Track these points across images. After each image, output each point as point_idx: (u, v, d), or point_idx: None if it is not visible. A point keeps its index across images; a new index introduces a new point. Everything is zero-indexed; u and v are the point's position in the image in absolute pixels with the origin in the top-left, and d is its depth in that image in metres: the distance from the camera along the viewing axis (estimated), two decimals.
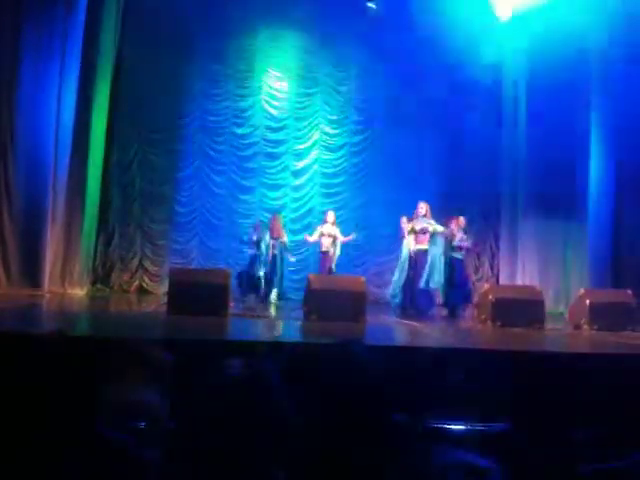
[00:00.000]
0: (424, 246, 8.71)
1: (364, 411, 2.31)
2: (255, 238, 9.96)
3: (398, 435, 2.30)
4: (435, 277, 8.71)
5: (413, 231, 8.77)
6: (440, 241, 8.95)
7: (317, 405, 2.33)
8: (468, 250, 9.63)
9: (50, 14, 8.76)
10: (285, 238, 9.99)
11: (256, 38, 11.10)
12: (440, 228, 8.87)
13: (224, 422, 1.83)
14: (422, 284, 8.63)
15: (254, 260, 9.85)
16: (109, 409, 2.48)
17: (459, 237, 9.21)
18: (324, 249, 9.55)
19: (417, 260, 8.70)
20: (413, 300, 8.71)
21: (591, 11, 9.42)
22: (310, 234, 9.89)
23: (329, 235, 9.57)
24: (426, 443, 2.14)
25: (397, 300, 8.96)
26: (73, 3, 8.99)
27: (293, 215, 11.34)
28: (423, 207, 8.91)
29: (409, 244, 8.79)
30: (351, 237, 9.71)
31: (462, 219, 9.49)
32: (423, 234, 8.72)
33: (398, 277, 8.87)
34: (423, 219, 8.79)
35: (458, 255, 9.27)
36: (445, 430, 2.55)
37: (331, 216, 9.76)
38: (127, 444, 2.01)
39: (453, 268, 9.14)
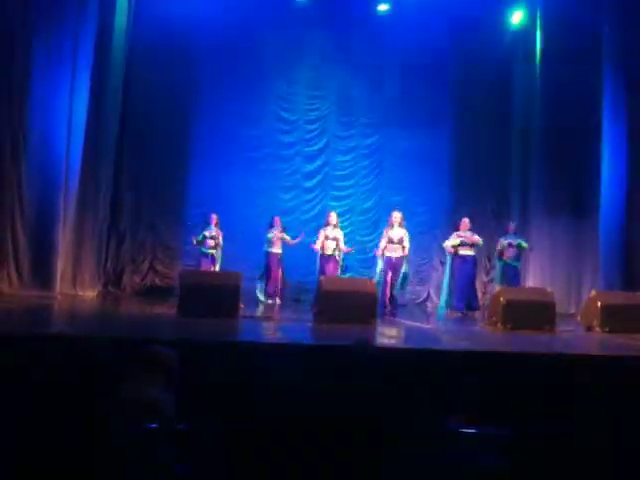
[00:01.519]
0: (398, 254, 8.90)
1: (370, 411, 2.31)
2: (211, 234, 9.74)
3: (408, 436, 2.29)
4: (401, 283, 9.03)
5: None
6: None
7: (329, 404, 2.33)
8: (518, 254, 9.60)
9: (61, 17, 8.80)
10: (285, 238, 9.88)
11: (267, 41, 11.11)
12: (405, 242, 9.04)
13: (236, 421, 1.84)
14: (397, 288, 8.94)
15: (208, 258, 9.71)
16: (119, 407, 2.49)
17: (506, 244, 9.46)
18: (328, 252, 9.28)
19: (395, 266, 8.90)
20: (391, 302, 8.87)
21: None
22: (314, 241, 9.49)
23: (333, 238, 9.34)
24: (438, 444, 2.14)
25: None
26: (84, 8, 9.03)
27: (304, 217, 11.34)
28: (397, 216, 9.05)
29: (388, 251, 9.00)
30: (351, 250, 9.55)
31: (511, 225, 9.73)
32: (399, 243, 8.90)
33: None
34: (399, 228, 8.96)
35: (510, 262, 9.38)
36: (458, 433, 2.53)
37: (333, 218, 9.48)
38: (139, 442, 2.02)
39: (503, 275, 9.49)
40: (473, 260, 9.48)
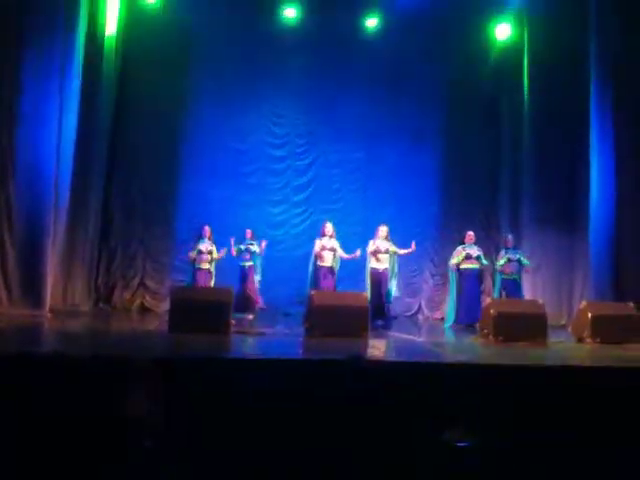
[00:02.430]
0: (384, 265, 9.07)
1: (366, 424, 2.31)
2: (207, 248, 9.47)
3: (403, 447, 2.30)
4: (392, 292, 9.25)
5: (378, 251, 9.11)
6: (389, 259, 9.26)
7: (320, 418, 2.33)
8: (519, 268, 9.55)
9: (50, 33, 8.79)
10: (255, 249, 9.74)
11: (257, 56, 11.17)
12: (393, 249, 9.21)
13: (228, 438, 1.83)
14: (387, 299, 9.12)
15: (203, 273, 9.45)
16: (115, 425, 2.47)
17: (505, 257, 9.48)
18: (327, 264, 9.10)
19: (382, 278, 9.03)
20: (381, 314, 8.96)
21: None
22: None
23: (330, 249, 9.17)
24: (433, 455, 2.14)
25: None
26: (74, 21, 9.05)
27: (294, 231, 11.36)
28: (384, 230, 9.18)
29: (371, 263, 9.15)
30: (356, 255, 9.06)
31: (510, 238, 9.76)
32: (385, 254, 9.05)
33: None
34: (385, 241, 9.11)
35: (506, 276, 9.46)
36: (451, 446, 2.54)
37: (329, 228, 9.31)
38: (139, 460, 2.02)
39: (503, 289, 9.47)
40: (477, 273, 9.54)
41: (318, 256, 9.17)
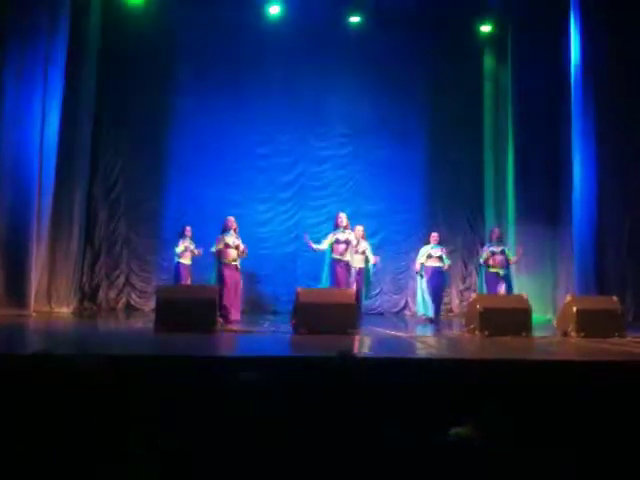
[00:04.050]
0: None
1: (355, 423, 2.31)
2: (235, 242, 8.60)
3: (389, 447, 2.29)
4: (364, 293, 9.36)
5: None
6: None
7: (310, 417, 2.32)
8: (506, 261, 9.51)
9: (33, 32, 8.74)
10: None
11: (242, 54, 11.13)
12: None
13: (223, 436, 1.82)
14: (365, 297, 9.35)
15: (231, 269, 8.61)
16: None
17: (487, 251, 9.52)
18: (342, 257, 8.67)
19: (357, 276, 9.02)
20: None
21: None
22: (315, 242, 8.87)
23: (345, 241, 8.72)
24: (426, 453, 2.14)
25: None
26: (56, 26, 8.97)
27: (280, 228, 11.34)
28: (360, 229, 9.24)
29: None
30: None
31: (496, 230, 9.80)
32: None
33: None
34: (361, 241, 9.13)
35: (491, 269, 9.46)
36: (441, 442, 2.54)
37: (343, 219, 8.78)
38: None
39: (486, 283, 9.53)
40: (440, 270, 9.67)
41: (333, 249, 8.74)
